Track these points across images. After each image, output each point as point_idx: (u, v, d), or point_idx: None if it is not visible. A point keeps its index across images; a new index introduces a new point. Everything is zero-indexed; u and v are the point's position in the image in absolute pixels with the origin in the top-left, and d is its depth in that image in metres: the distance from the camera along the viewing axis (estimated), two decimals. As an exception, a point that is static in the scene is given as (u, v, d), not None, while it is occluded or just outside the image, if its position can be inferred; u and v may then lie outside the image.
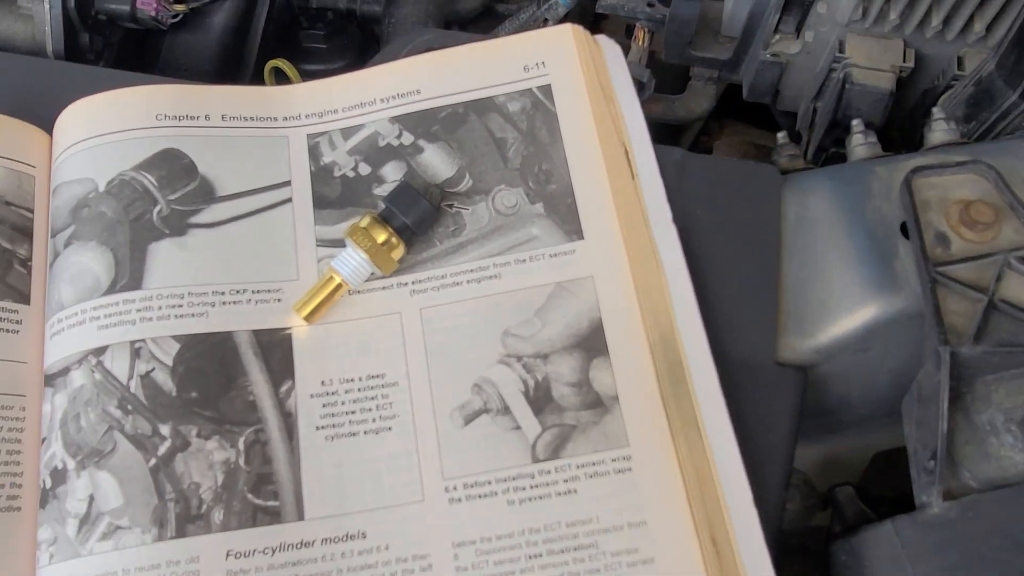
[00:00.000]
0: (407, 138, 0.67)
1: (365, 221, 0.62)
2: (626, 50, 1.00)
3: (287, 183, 0.66)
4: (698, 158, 0.67)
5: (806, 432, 0.64)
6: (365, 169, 0.67)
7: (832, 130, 0.88)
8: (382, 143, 0.67)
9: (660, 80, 1.03)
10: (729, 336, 0.62)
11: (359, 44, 1.07)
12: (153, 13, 0.89)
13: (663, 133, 1.12)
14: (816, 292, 0.64)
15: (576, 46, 0.69)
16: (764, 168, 0.67)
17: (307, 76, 0.98)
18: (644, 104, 1.01)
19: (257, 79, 0.98)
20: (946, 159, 0.65)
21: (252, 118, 0.68)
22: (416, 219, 0.62)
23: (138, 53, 0.95)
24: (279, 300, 0.62)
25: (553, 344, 0.61)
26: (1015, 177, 0.64)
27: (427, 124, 0.68)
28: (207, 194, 0.65)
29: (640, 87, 0.99)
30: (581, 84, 0.68)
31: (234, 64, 0.99)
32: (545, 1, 1.01)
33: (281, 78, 0.94)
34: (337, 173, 0.67)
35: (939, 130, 0.72)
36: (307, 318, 0.61)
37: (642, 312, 0.61)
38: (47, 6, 0.81)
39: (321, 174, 0.67)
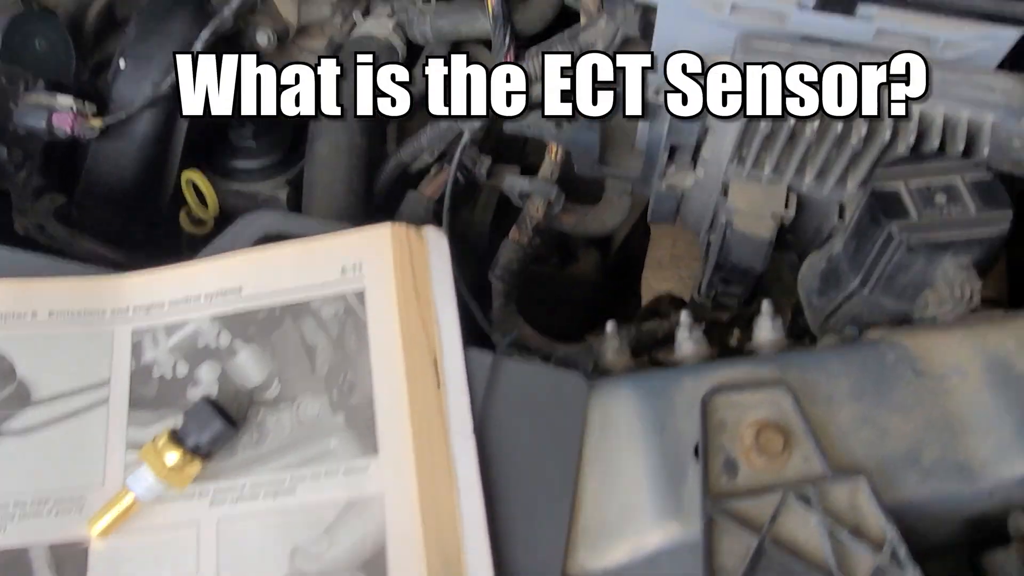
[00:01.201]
0: (225, 338, 0.69)
1: (161, 440, 0.63)
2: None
3: (106, 383, 0.68)
4: (510, 364, 0.67)
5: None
6: (182, 370, 0.68)
7: (718, 270, 0.88)
8: (201, 344, 0.69)
9: (576, 189, 1.03)
10: (519, 550, 0.62)
11: (289, 140, 1.08)
12: (69, 131, 0.92)
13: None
14: (609, 509, 0.64)
15: (393, 247, 0.70)
16: (572, 377, 0.66)
17: (237, 174, 1.03)
18: (556, 216, 1.02)
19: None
20: (750, 376, 0.65)
21: (79, 312, 0.70)
22: (210, 440, 0.63)
23: (69, 157, 0.98)
24: (81, 509, 0.64)
25: (338, 565, 0.62)
26: (818, 394, 0.64)
27: (245, 325, 0.69)
28: (22, 399, 0.67)
29: (549, 205, 1.00)
30: (393, 291, 0.68)
31: (158, 170, 1.01)
32: (462, 111, 1.01)
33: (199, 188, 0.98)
34: (156, 373, 0.68)
35: (764, 328, 0.71)
36: (100, 534, 0.63)
37: (426, 536, 0.62)
38: (-36, 122, 0.84)
39: (140, 374, 0.69)
